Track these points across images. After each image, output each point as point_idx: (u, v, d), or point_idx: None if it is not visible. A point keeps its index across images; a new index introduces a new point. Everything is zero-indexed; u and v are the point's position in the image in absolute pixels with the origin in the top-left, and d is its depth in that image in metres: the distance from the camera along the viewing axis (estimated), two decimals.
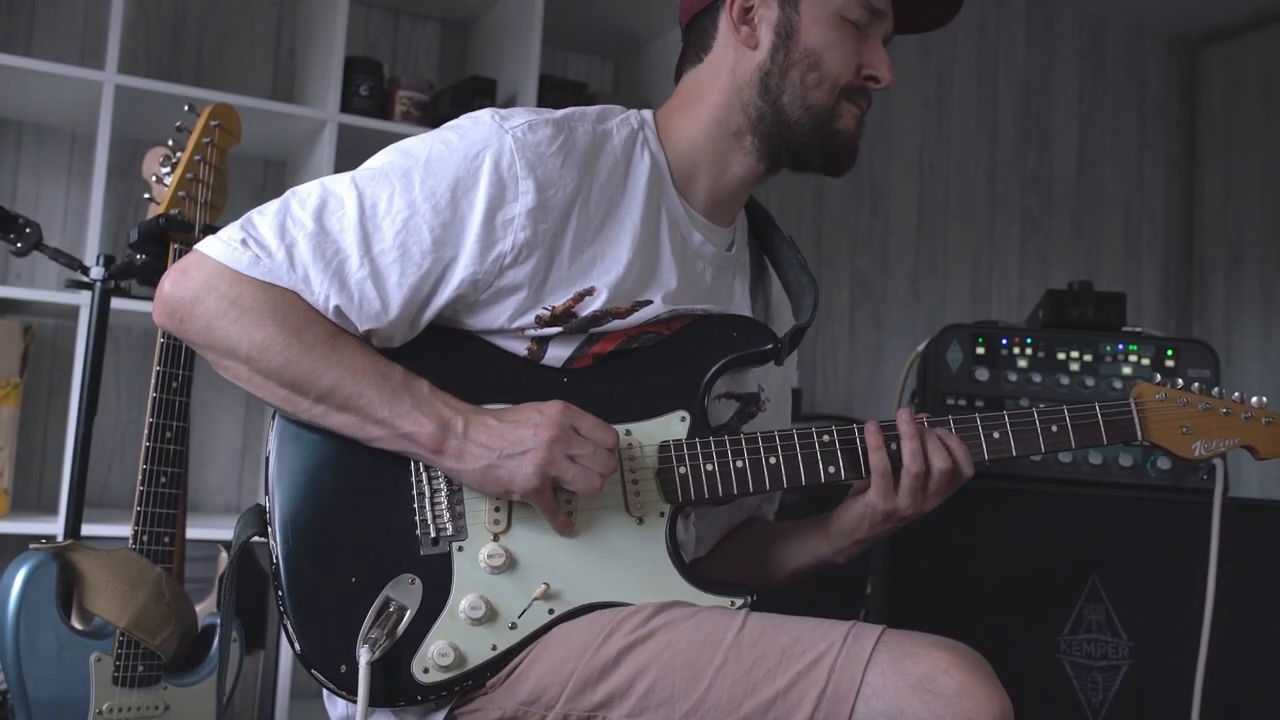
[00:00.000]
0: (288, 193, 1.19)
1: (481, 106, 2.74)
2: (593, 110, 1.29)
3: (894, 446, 1.26)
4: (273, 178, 2.90)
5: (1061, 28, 4.03)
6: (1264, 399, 1.36)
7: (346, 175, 1.20)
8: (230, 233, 1.16)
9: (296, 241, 1.15)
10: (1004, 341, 1.92)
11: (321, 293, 1.15)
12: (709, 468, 1.23)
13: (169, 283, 1.16)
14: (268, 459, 1.19)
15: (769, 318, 1.45)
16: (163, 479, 1.62)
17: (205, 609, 1.71)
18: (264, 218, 1.17)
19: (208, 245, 1.16)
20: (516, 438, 1.14)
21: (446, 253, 1.17)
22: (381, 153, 1.23)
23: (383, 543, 1.17)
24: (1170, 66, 4.23)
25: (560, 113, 1.25)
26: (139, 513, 1.61)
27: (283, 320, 1.14)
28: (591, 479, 1.15)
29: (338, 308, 1.16)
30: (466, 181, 1.18)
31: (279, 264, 1.14)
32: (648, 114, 1.34)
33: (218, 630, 1.29)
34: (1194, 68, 4.24)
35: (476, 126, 1.21)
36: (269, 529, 1.17)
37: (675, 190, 1.31)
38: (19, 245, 1.75)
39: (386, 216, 1.16)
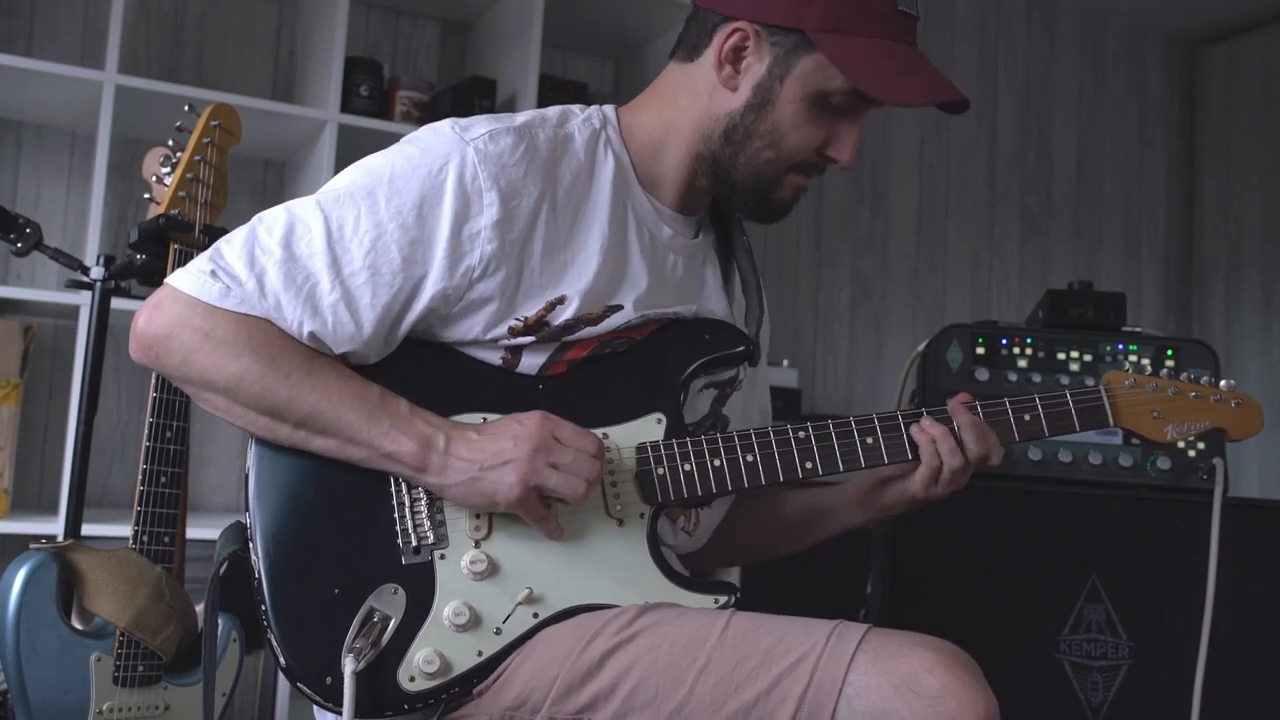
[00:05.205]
0: (254, 219, 1.19)
1: (482, 107, 2.76)
2: (553, 114, 1.29)
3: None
4: (273, 178, 2.90)
5: (1061, 28, 4.03)
6: (1233, 381, 1.38)
7: (311, 198, 1.19)
8: (199, 264, 1.16)
9: (266, 270, 1.14)
10: (1004, 341, 1.92)
11: (295, 319, 1.15)
12: (687, 468, 1.24)
13: (143, 319, 1.15)
14: (247, 475, 1.19)
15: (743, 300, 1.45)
16: (163, 479, 1.62)
17: None
18: (232, 247, 1.16)
19: (178, 279, 1.15)
20: (498, 450, 1.14)
21: (416, 270, 1.17)
22: (344, 172, 1.22)
23: (364, 554, 1.17)
24: (1170, 66, 4.23)
25: (521, 119, 1.25)
26: (139, 512, 1.61)
27: (257, 349, 1.13)
28: (576, 485, 1.15)
29: (312, 333, 1.16)
30: (432, 197, 1.17)
31: (250, 293, 1.14)
32: (609, 111, 1.33)
33: (214, 634, 1.28)
34: (1194, 68, 4.24)
35: (437, 139, 1.21)
36: (250, 544, 1.17)
37: (641, 188, 1.31)
38: (19, 245, 1.75)
39: (354, 238, 1.16)
